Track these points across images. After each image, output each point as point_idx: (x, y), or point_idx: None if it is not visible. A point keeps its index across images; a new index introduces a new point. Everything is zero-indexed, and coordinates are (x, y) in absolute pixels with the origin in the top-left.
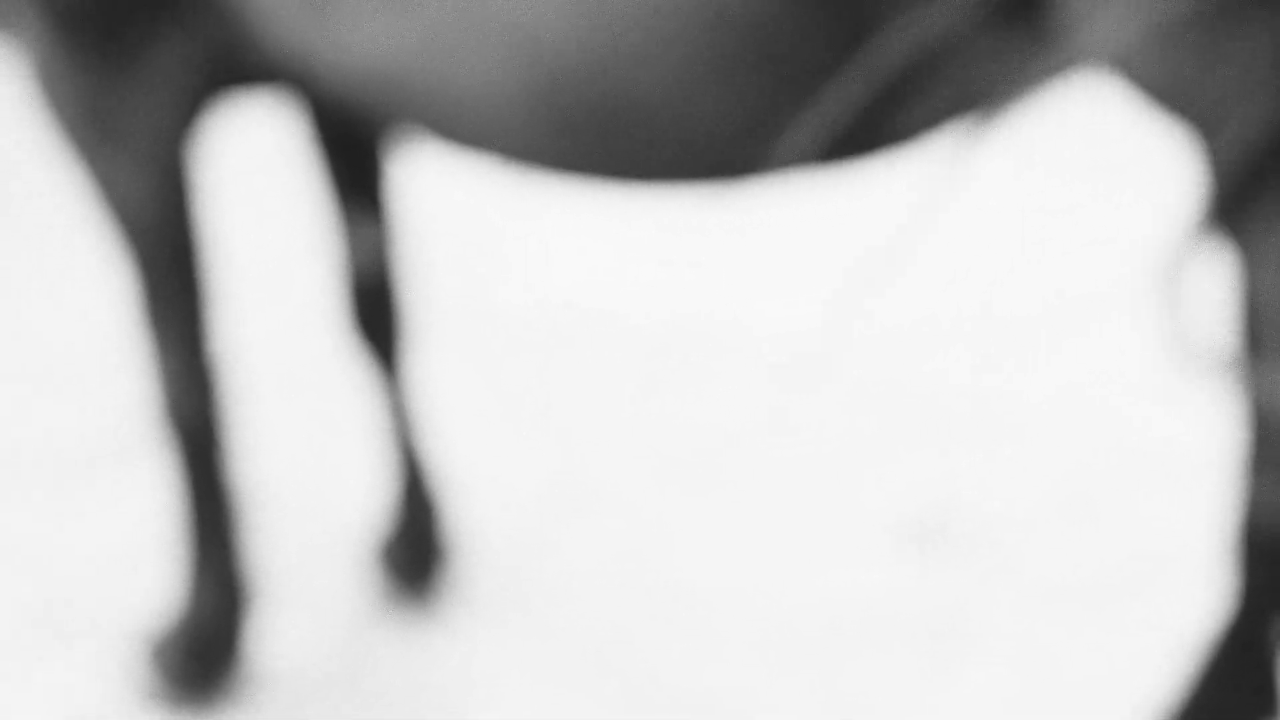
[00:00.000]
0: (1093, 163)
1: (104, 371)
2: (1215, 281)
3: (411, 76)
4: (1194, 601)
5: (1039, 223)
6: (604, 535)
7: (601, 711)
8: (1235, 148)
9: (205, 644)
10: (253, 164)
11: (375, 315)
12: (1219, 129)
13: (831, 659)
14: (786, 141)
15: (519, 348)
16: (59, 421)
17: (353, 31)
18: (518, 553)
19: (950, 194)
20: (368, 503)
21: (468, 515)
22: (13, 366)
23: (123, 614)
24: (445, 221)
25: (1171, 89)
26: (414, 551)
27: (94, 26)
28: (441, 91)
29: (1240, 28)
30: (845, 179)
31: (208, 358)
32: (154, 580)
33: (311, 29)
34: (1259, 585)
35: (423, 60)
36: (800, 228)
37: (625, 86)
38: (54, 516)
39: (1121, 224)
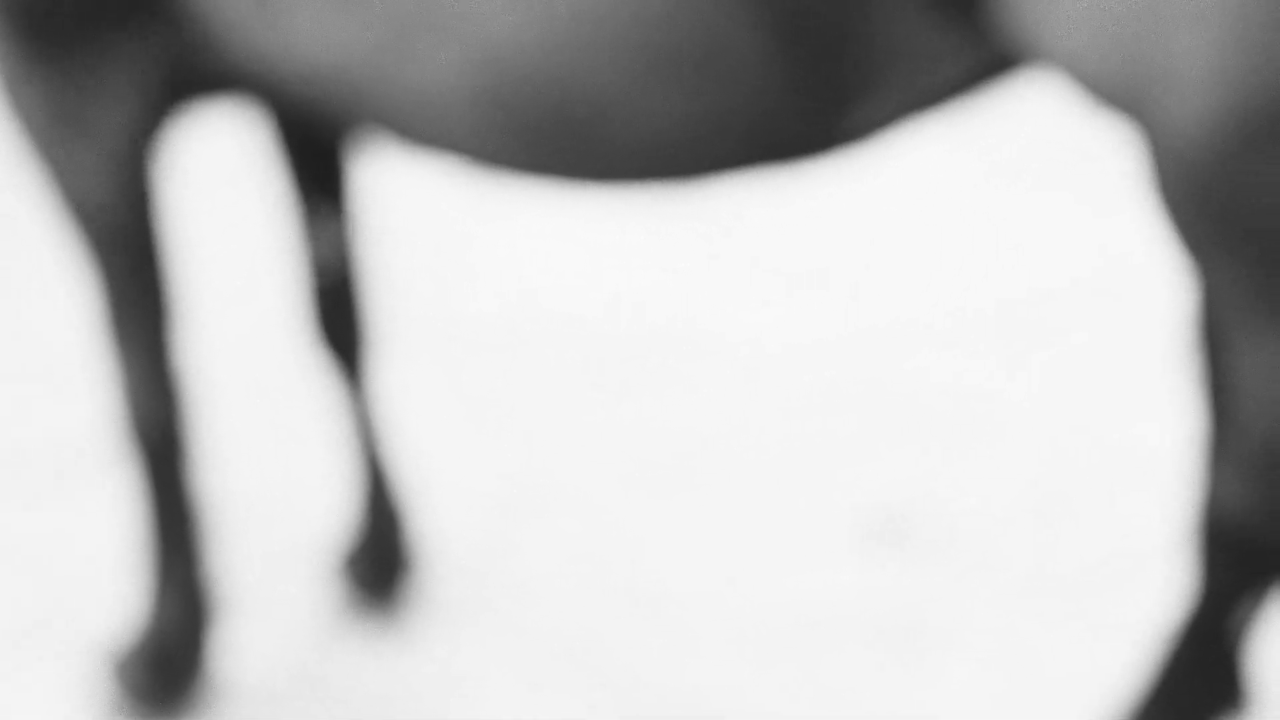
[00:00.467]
0: (1066, 163)
1: (74, 382)
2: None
3: (363, 76)
4: (1168, 599)
5: (1013, 223)
6: (571, 538)
7: (571, 715)
8: (1177, 138)
9: (169, 656)
10: (213, 171)
11: (338, 321)
12: (1160, 119)
13: (806, 658)
14: (735, 140)
15: (484, 351)
16: (29, 434)
17: (303, 32)
18: (484, 558)
19: (912, 194)
20: (332, 511)
21: (433, 521)
22: None
23: (87, 628)
24: (410, 225)
25: (1110, 80)
26: (379, 560)
27: (53, 31)
28: (393, 91)
29: (1177, 14)
30: (810, 182)
31: (171, 367)
32: (118, 593)
33: (263, 30)
34: (1219, 576)
35: (373, 59)
36: (768, 230)
37: (573, 84)
38: (19, 531)
39: (1097, 224)
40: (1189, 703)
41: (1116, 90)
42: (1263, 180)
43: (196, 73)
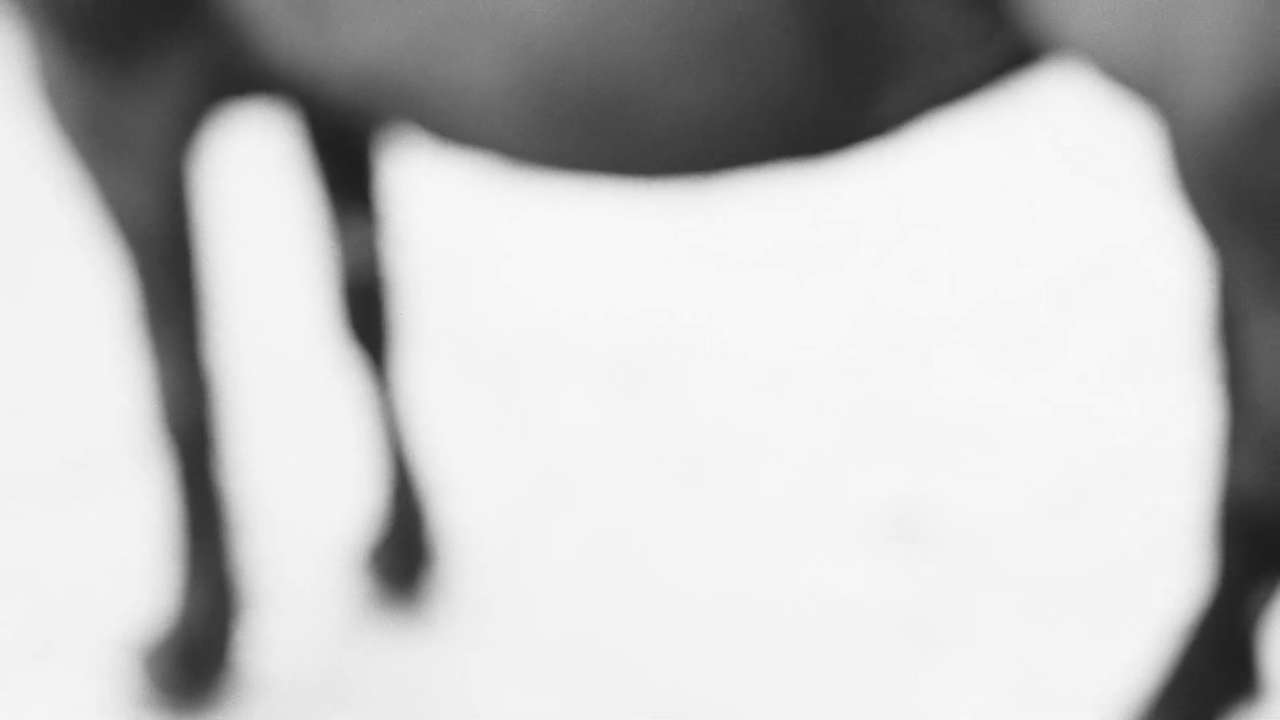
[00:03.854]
0: (1080, 162)
1: (94, 383)
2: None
3: (407, 74)
4: (1181, 599)
5: (1023, 222)
6: (590, 538)
7: (590, 712)
8: (1195, 122)
9: (197, 651)
10: (244, 172)
11: (367, 321)
12: (1178, 104)
13: (817, 659)
14: (768, 131)
15: (505, 353)
16: (46, 433)
17: (348, 34)
18: (505, 556)
19: (924, 193)
20: (358, 507)
21: (454, 519)
22: (0, 383)
23: (114, 623)
24: (430, 228)
25: (1129, 65)
26: (403, 555)
27: (100, 37)
28: (436, 88)
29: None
30: (823, 175)
31: (205, 364)
32: (145, 588)
33: (309, 33)
34: (1234, 564)
35: (416, 57)
36: (782, 230)
37: (612, 74)
38: (45, 527)
39: (1107, 224)
40: (1204, 693)
41: (1135, 75)
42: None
43: (237, 78)
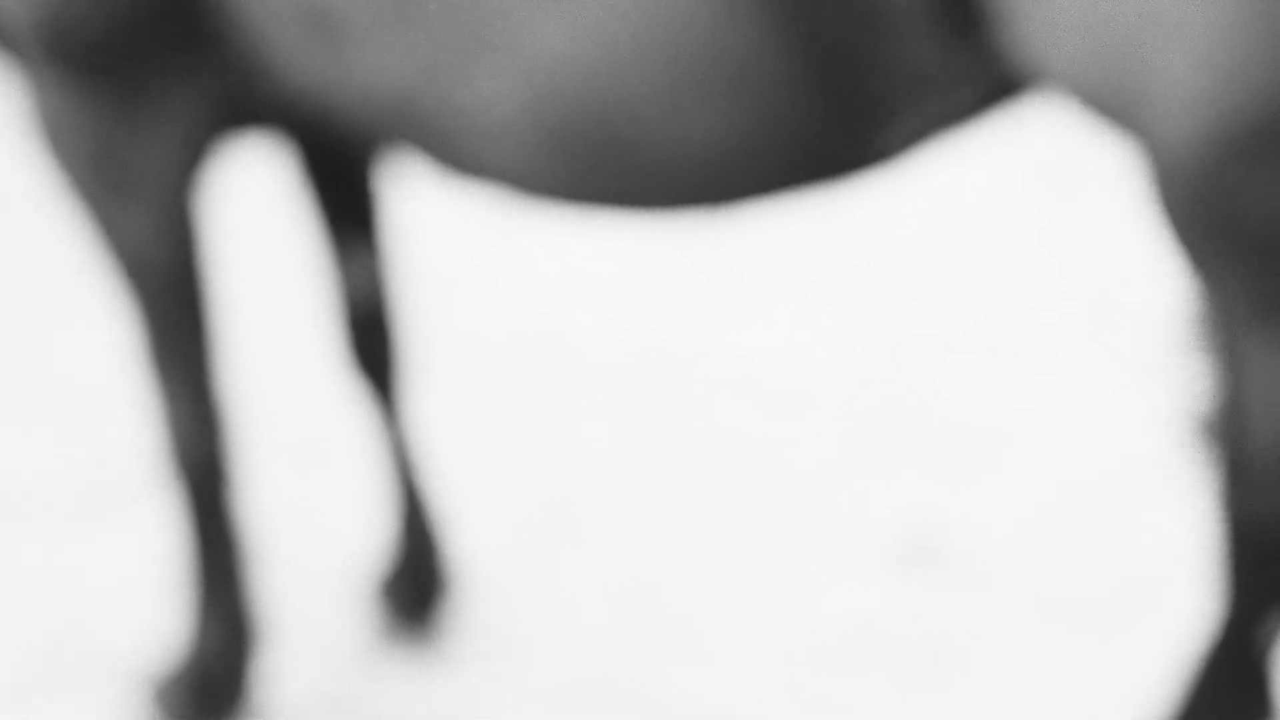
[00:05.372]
0: (1085, 177)
1: (107, 412)
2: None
3: (418, 100)
4: (1191, 618)
5: (1031, 236)
6: (600, 561)
7: None
8: (1169, 153)
9: (211, 682)
10: (248, 204)
11: (372, 349)
12: (1152, 134)
13: (830, 679)
14: (771, 162)
15: (507, 372)
16: (60, 462)
17: (362, 59)
18: (517, 581)
19: (931, 211)
20: (370, 537)
21: (463, 543)
22: (14, 407)
23: (129, 653)
24: (434, 253)
25: (1103, 97)
26: (415, 584)
27: (104, 70)
28: (446, 114)
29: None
30: (829, 200)
31: (213, 397)
32: (159, 619)
33: (321, 57)
34: (1244, 588)
35: (429, 83)
36: (788, 249)
37: (621, 104)
38: (60, 557)
39: (1118, 238)
40: (1220, 716)
41: (1112, 107)
42: (1254, 191)
43: (244, 107)
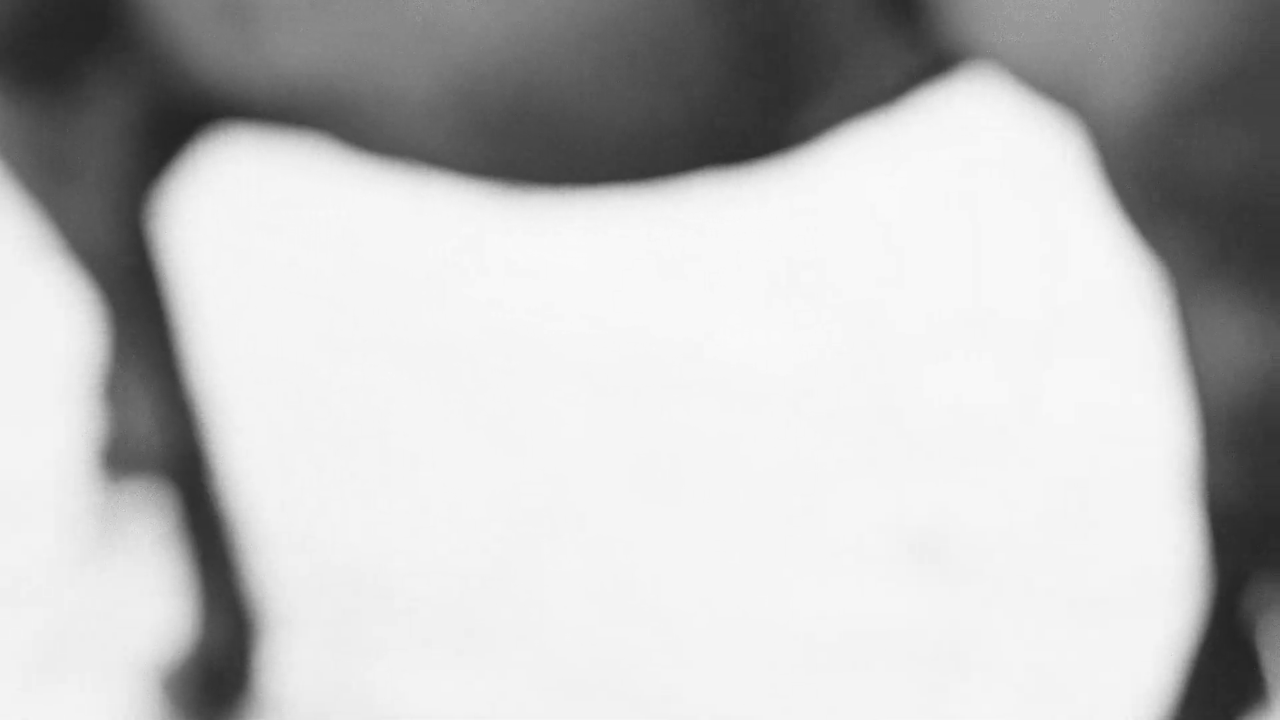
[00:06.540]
0: (1073, 172)
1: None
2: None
3: (336, 86)
4: (1191, 616)
5: (1025, 237)
6: (588, 562)
7: None
8: (1115, 123)
9: (216, 673)
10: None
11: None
12: (1098, 106)
13: (829, 681)
14: (693, 140)
15: (491, 371)
16: (62, 445)
17: (276, 43)
18: (504, 581)
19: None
20: (372, 528)
21: (450, 546)
22: (14, 407)
23: (133, 646)
24: (412, 250)
25: (1047, 74)
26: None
27: (20, 63)
28: (366, 99)
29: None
30: (826, 200)
31: (186, 390)
32: (164, 605)
33: (235, 45)
34: (1223, 562)
35: (346, 68)
36: (774, 245)
37: (541, 82)
38: (61, 542)
39: (1107, 238)
40: (1214, 700)
41: (1054, 83)
42: (1198, 151)
43: (176, 106)
